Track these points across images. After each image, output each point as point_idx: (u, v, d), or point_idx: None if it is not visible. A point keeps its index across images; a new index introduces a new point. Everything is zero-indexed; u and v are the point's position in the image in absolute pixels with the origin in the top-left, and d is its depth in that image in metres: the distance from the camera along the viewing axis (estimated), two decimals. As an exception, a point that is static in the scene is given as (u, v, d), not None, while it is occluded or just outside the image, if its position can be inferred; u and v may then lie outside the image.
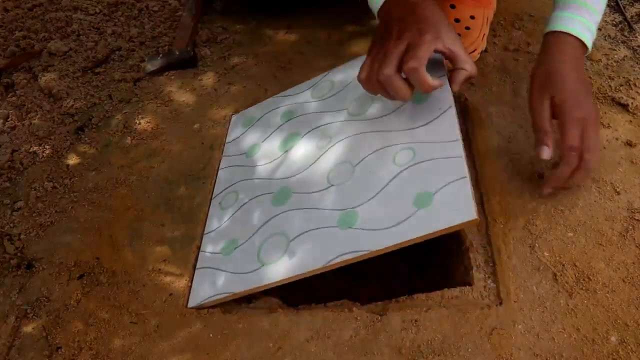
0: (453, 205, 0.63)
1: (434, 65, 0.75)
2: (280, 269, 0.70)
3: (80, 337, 0.72)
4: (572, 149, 0.72)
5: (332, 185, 0.75)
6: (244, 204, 0.82)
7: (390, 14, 0.75)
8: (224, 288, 0.73)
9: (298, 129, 0.87)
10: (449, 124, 0.71)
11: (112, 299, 0.76)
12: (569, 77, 0.75)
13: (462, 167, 0.65)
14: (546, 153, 0.75)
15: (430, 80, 0.68)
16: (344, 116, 0.83)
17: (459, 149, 0.67)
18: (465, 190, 0.63)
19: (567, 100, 0.74)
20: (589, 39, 0.79)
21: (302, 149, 0.83)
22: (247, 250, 0.76)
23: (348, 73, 0.89)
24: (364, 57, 0.84)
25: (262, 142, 0.90)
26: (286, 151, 0.85)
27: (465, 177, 0.65)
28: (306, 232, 0.72)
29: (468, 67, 0.71)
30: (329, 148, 0.80)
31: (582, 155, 0.72)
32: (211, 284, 0.74)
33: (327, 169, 0.78)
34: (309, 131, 0.85)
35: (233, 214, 0.82)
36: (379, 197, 0.70)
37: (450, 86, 0.72)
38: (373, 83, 0.72)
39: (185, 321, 0.72)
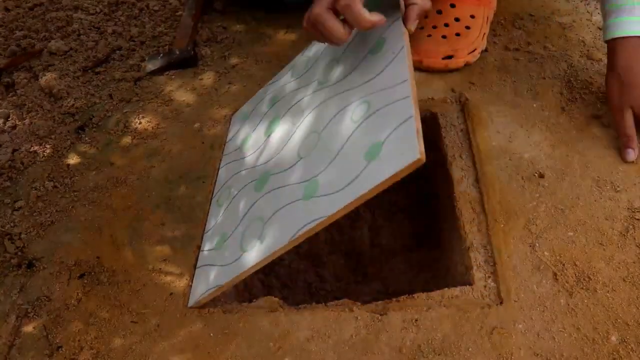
0: (399, 150, 0.59)
1: (388, 8, 0.73)
2: (256, 253, 0.69)
3: (81, 336, 0.72)
4: None
5: (302, 158, 0.73)
6: (234, 196, 0.81)
7: None
8: (213, 282, 0.73)
9: (279, 112, 0.85)
10: (399, 66, 0.66)
11: (112, 299, 0.76)
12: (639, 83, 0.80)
13: (409, 107, 0.61)
14: (631, 156, 0.80)
15: (368, 15, 0.65)
16: (314, 87, 0.80)
17: (406, 89, 0.63)
18: (409, 131, 0.59)
19: None
20: None
21: (280, 131, 0.82)
22: (233, 241, 0.75)
23: (321, 44, 0.85)
24: None
25: (252, 133, 0.89)
26: (268, 136, 0.84)
27: (412, 116, 0.60)
28: (276, 211, 0.70)
29: (419, 0, 0.69)
30: (300, 123, 0.78)
31: None
32: (205, 280, 0.74)
33: (298, 143, 0.75)
34: (287, 111, 0.83)
35: (225, 209, 0.81)
36: (336, 159, 0.67)
37: (405, 26, 0.70)
38: (309, 25, 0.69)
39: (186, 320, 0.72)
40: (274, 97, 0.90)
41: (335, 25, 0.67)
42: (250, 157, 0.85)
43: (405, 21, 0.71)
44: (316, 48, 0.88)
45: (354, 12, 0.65)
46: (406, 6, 0.71)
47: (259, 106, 0.93)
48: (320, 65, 0.83)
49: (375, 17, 0.66)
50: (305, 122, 0.77)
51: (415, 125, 0.59)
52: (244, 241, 0.72)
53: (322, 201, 0.64)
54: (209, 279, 0.74)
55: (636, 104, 0.80)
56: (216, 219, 0.82)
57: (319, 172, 0.68)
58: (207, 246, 0.79)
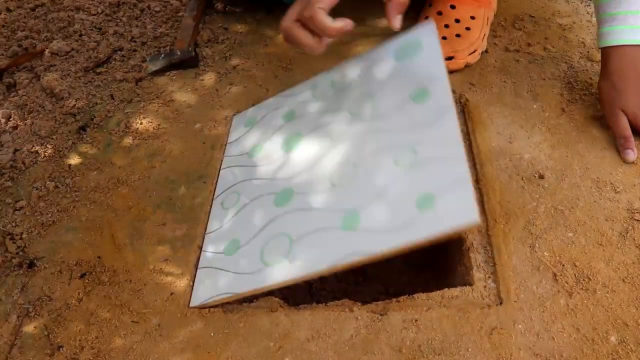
0: (455, 208, 0.63)
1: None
2: (284, 270, 0.70)
3: (82, 336, 0.72)
4: None
5: (334, 185, 0.75)
6: (246, 204, 0.82)
7: None
8: (226, 288, 0.73)
9: (300, 129, 0.86)
10: (449, 125, 0.70)
11: (113, 298, 0.76)
12: (632, 90, 0.82)
13: (463, 169, 0.65)
14: (631, 156, 0.81)
15: (331, 22, 0.68)
16: (346, 116, 0.83)
17: (460, 150, 0.67)
18: (467, 193, 0.63)
19: (637, 113, 0.81)
20: None
21: (304, 150, 0.83)
22: (249, 251, 0.76)
23: (348, 72, 0.88)
24: (364, 56, 0.84)
25: (264, 142, 0.90)
26: (288, 151, 0.85)
27: (467, 178, 0.64)
28: (309, 233, 0.72)
29: None
30: (331, 148, 0.80)
31: None
32: (213, 284, 0.75)
33: (330, 169, 0.77)
34: (311, 131, 0.85)
35: (235, 215, 0.82)
36: (381, 198, 0.69)
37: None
38: (284, 37, 0.73)
39: (186, 320, 0.72)
40: (291, 112, 0.90)
41: (303, 37, 0.70)
42: (264, 168, 0.85)
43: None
44: (343, 74, 0.88)
45: (317, 22, 0.68)
46: (386, 2, 0.71)
47: (271, 116, 0.93)
48: (351, 95, 0.84)
49: (339, 23, 0.68)
50: (338, 150, 0.79)
51: (472, 189, 0.63)
52: (265, 254, 0.73)
53: (368, 237, 0.66)
54: (219, 284, 0.74)
55: (629, 109, 0.82)
56: (222, 221, 0.82)
57: (360, 206, 0.70)
58: (211, 248, 0.79)
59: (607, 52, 0.85)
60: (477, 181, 0.82)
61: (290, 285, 0.70)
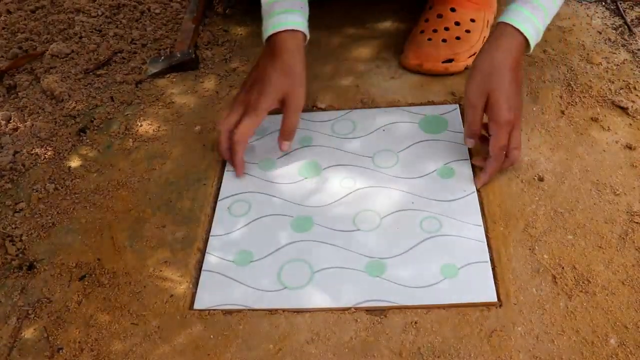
0: (476, 284, 0.71)
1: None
2: (305, 297, 0.73)
3: (81, 338, 0.72)
4: (502, 148, 0.78)
5: (359, 229, 0.80)
6: (260, 218, 0.83)
7: (259, 60, 0.90)
8: (239, 300, 0.74)
9: (318, 160, 0.90)
10: (472, 208, 0.79)
11: (113, 300, 0.76)
12: (509, 76, 0.78)
13: (485, 252, 0.74)
14: (471, 143, 0.83)
15: (239, 166, 0.87)
16: (370, 164, 0.88)
17: (482, 234, 0.76)
18: (487, 274, 0.72)
19: (500, 102, 0.77)
20: (534, 41, 0.80)
21: (325, 182, 0.87)
22: (265, 267, 0.77)
23: (371, 121, 0.95)
24: (387, 112, 0.96)
25: (277, 159, 0.91)
26: (306, 178, 0.88)
27: (487, 262, 0.73)
28: (332, 267, 0.76)
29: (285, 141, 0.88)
30: (355, 191, 0.85)
31: (509, 152, 0.79)
32: (223, 291, 0.75)
33: (353, 211, 0.82)
34: (332, 166, 0.89)
35: (246, 225, 0.83)
36: (406, 256, 0.75)
37: (476, 182, 0.82)
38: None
39: (186, 322, 0.72)
40: (307, 138, 0.94)
41: (226, 154, 0.89)
42: (280, 187, 0.87)
43: (476, 179, 0.82)
44: (365, 120, 0.95)
45: (234, 158, 0.88)
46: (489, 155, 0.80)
47: None
48: (373, 145, 0.91)
49: (238, 171, 0.88)
50: (360, 195, 0.84)
51: (491, 270, 0.72)
52: (283, 276, 0.76)
53: (392, 287, 0.72)
54: (232, 294, 0.75)
55: (495, 92, 0.77)
56: (230, 228, 0.83)
57: (386, 257, 0.76)
58: (217, 252, 0.79)
59: (503, 29, 0.80)
60: (475, 184, 0.82)
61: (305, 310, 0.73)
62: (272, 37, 0.87)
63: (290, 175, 0.89)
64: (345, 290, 0.73)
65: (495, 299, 0.69)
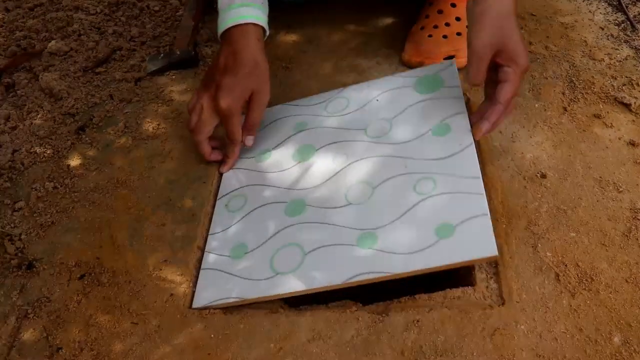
0: (474, 240, 0.66)
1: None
2: (297, 280, 0.71)
3: (81, 337, 0.72)
4: (516, 95, 0.76)
5: (351, 203, 0.77)
6: (254, 209, 0.82)
7: (218, 53, 0.87)
8: (234, 293, 0.73)
9: (312, 142, 0.88)
10: (470, 161, 0.74)
11: (112, 299, 0.75)
12: (515, 22, 0.76)
13: (484, 204, 0.69)
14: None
15: (207, 154, 0.88)
16: (363, 137, 0.85)
17: (480, 187, 0.71)
18: (486, 227, 0.67)
19: (518, 50, 0.74)
20: None
21: (318, 163, 0.84)
22: (259, 257, 0.76)
23: (365, 93, 0.91)
24: (381, 81, 0.91)
25: (273, 149, 0.90)
26: (299, 162, 0.86)
27: (487, 214, 0.68)
28: (323, 246, 0.73)
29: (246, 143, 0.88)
30: (347, 166, 0.82)
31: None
32: (219, 287, 0.74)
33: (345, 186, 0.79)
34: (325, 145, 0.86)
35: (242, 218, 0.82)
36: (400, 221, 0.72)
37: (473, 132, 0.77)
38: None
39: (186, 321, 0.72)
40: (303, 124, 0.91)
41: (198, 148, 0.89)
42: (274, 175, 0.86)
43: (474, 129, 0.77)
44: (359, 95, 0.92)
45: (199, 149, 0.89)
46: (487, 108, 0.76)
47: (281, 123, 0.94)
48: (367, 117, 0.87)
49: (212, 158, 0.89)
50: (354, 168, 0.81)
51: (490, 223, 0.67)
52: (276, 262, 0.74)
53: (386, 257, 0.69)
54: (226, 287, 0.74)
55: (510, 44, 0.74)
56: (227, 224, 0.82)
57: (378, 227, 0.72)
58: (215, 250, 0.79)
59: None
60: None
61: (300, 295, 0.71)
62: (231, 31, 0.84)
63: (285, 162, 0.87)
64: (337, 267, 0.71)
65: (495, 253, 0.64)
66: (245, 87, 0.84)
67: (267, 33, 0.89)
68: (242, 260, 0.76)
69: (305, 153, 0.87)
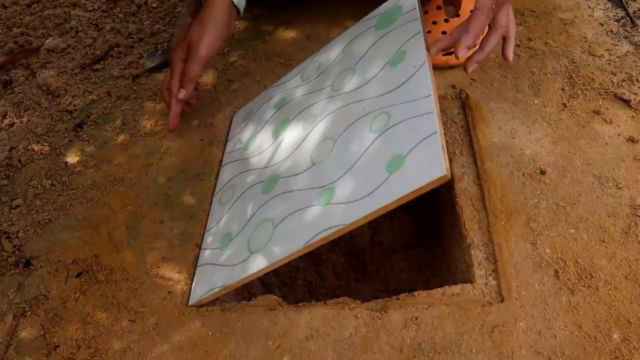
0: (423, 164, 0.60)
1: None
2: (264, 256, 0.69)
3: (79, 335, 0.72)
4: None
5: (314, 164, 0.73)
6: (238, 197, 0.81)
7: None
8: (217, 282, 0.72)
9: (287, 115, 0.85)
10: (422, 80, 0.67)
11: (110, 297, 0.75)
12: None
13: (433, 123, 0.61)
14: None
15: (172, 121, 0.92)
16: (327, 93, 0.81)
17: (430, 104, 0.63)
18: (435, 147, 0.59)
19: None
20: None
21: (290, 134, 0.82)
22: (239, 241, 0.74)
23: (332, 50, 0.87)
24: (346, 32, 0.87)
25: (257, 134, 0.89)
26: (276, 139, 0.84)
27: (436, 132, 0.60)
28: (289, 214, 0.70)
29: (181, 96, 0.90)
30: (313, 128, 0.78)
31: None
32: (208, 280, 0.74)
33: (310, 149, 0.76)
34: (297, 115, 0.83)
35: (229, 209, 0.81)
36: (354, 168, 0.67)
37: (428, 49, 0.71)
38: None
39: (184, 319, 0.71)
40: (282, 100, 0.90)
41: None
42: (255, 158, 0.84)
43: (429, 46, 0.72)
44: (328, 54, 0.88)
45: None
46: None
47: (264, 107, 0.92)
48: (334, 72, 0.83)
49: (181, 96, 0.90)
50: (319, 128, 0.77)
51: (441, 141, 0.59)
52: (252, 242, 0.72)
53: (340, 209, 0.64)
54: (212, 279, 0.73)
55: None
56: (219, 218, 0.81)
57: (336, 179, 0.68)
58: (209, 245, 0.79)
59: None
60: (478, 177, 0.81)
61: (273, 269, 0.68)
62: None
63: (266, 143, 0.85)
64: (299, 232, 0.67)
65: (444, 173, 0.57)
66: (184, 41, 0.90)
67: (241, 12, 0.93)
68: (227, 248, 0.75)
69: (281, 129, 0.84)
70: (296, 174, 0.74)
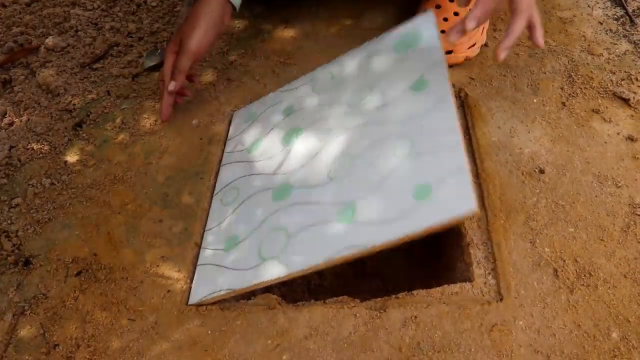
0: (453, 198, 0.62)
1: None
2: (281, 265, 0.70)
3: (78, 334, 0.72)
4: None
5: (332, 179, 0.74)
6: (245, 200, 0.81)
7: None
8: (224, 285, 0.72)
9: (299, 124, 0.86)
10: (447, 114, 0.69)
11: (109, 296, 0.75)
12: None
13: (461, 158, 0.64)
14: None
15: (164, 112, 0.93)
16: (343, 108, 0.82)
17: (457, 139, 0.66)
18: (464, 182, 0.62)
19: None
20: None
21: (303, 144, 0.82)
22: (248, 246, 0.75)
23: (347, 64, 0.88)
24: (362, 48, 0.86)
25: (263, 138, 0.89)
26: (286, 146, 0.84)
27: (464, 168, 0.63)
28: (305, 227, 0.71)
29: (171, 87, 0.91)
30: (328, 141, 0.79)
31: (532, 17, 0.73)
32: (212, 281, 0.74)
33: (328, 163, 0.76)
34: (310, 125, 0.84)
35: (234, 211, 0.81)
36: (378, 189, 0.68)
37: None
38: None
39: (183, 318, 0.72)
40: (290, 107, 0.90)
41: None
42: (262, 163, 0.84)
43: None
44: (341, 67, 0.88)
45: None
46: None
47: (270, 111, 0.92)
48: (350, 87, 0.84)
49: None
50: (336, 143, 0.78)
51: (469, 177, 0.62)
52: (263, 249, 0.73)
53: (365, 229, 0.65)
54: (217, 281, 0.73)
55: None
56: (221, 218, 0.81)
57: (357, 198, 0.69)
58: (210, 245, 0.79)
59: None
60: (477, 176, 0.81)
61: (287, 280, 0.70)
62: None
63: (274, 148, 0.85)
64: (319, 247, 0.68)
65: (474, 208, 0.59)
66: (177, 33, 0.91)
67: (237, 9, 0.95)
68: (232, 251, 0.76)
69: (292, 136, 0.85)
70: (312, 187, 0.75)
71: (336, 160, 0.76)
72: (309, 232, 0.70)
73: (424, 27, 0.81)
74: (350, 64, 0.87)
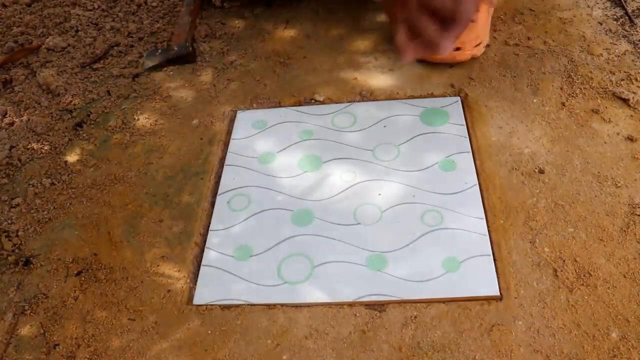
0: (478, 278, 0.70)
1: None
2: (307, 292, 0.72)
3: (78, 334, 0.72)
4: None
5: (359, 223, 0.79)
6: (260, 212, 0.83)
7: None
8: (240, 294, 0.73)
9: (319, 153, 0.90)
10: (474, 201, 0.79)
11: (110, 296, 0.75)
12: None
13: (487, 245, 0.73)
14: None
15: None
16: (370, 157, 0.88)
17: (484, 228, 0.75)
18: (489, 267, 0.71)
19: None
20: None
21: (325, 176, 0.86)
22: (265, 262, 0.77)
23: (371, 113, 0.94)
24: (387, 104, 0.94)
25: (278, 152, 0.91)
26: (306, 172, 0.87)
27: (490, 255, 0.72)
28: (333, 262, 0.75)
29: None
30: (355, 184, 0.84)
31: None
32: (224, 288, 0.74)
33: (354, 205, 0.82)
34: (332, 159, 0.88)
35: (246, 220, 0.82)
36: (408, 249, 0.75)
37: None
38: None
39: (184, 317, 0.72)
40: (309, 132, 0.93)
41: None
42: (280, 180, 0.87)
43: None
44: (367, 114, 0.94)
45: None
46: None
47: (286, 127, 0.95)
48: (376, 138, 0.91)
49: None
50: (362, 188, 0.84)
51: (493, 264, 0.71)
52: (283, 270, 0.75)
53: (393, 281, 0.72)
54: (232, 288, 0.74)
55: None
56: (230, 222, 0.82)
57: (387, 250, 0.75)
58: (216, 247, 0.79)
59: None
60: (477, 176, 0.81)
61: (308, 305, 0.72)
62: None
63: (291, 169, 0.88)
64: (346, 284, 0.72)
65: (497, 293, 0.68)
66: None
67: None
68: (247, 262, 0.77)
69: (312, 163, 0.88)
70: (337, 224, 0.80)
71: (363, 206, 0.81)
72: (336, 267, 0.75)
73: (451, 109, 0.91)
74: (375, 114, 0.94)
